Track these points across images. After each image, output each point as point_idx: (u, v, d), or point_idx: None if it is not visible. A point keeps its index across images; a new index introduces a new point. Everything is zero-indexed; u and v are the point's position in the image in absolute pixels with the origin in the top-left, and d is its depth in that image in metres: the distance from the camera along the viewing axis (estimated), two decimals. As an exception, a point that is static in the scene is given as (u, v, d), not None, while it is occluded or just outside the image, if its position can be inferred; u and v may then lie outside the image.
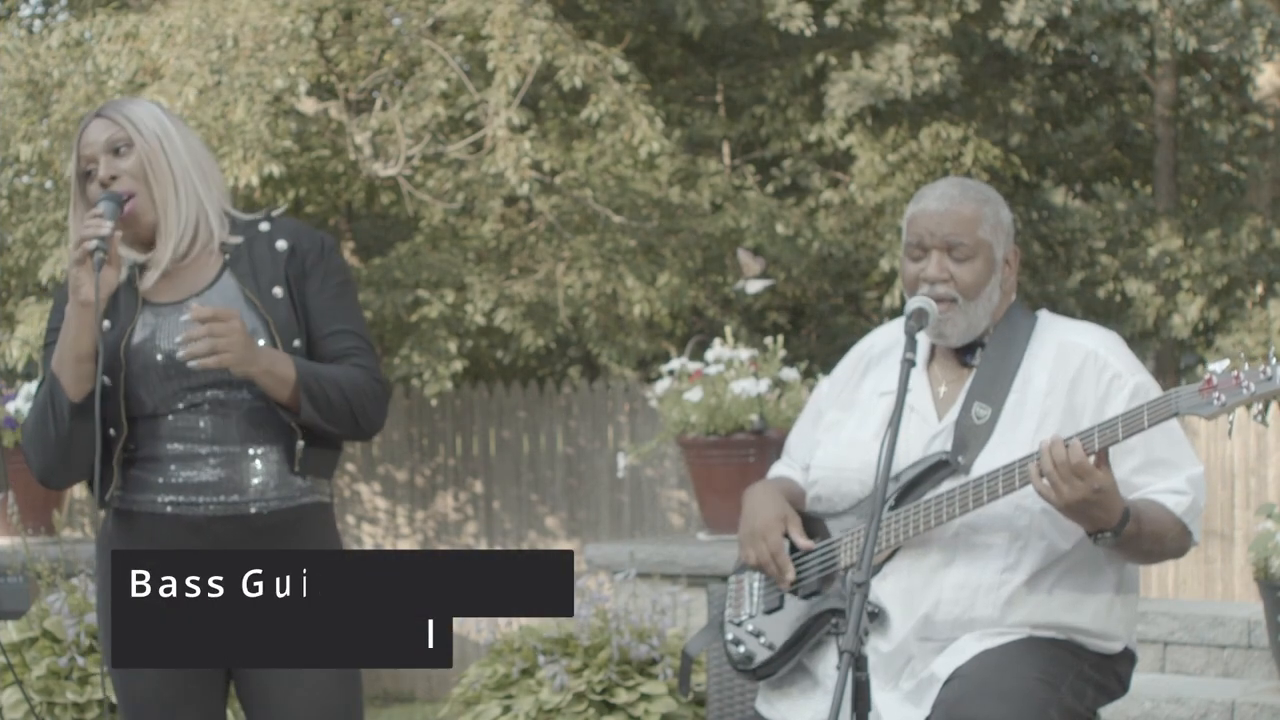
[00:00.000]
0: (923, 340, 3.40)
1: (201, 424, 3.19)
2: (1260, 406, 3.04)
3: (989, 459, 3.23)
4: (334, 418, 3.17)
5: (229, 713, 3.39)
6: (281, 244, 3.26)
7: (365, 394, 3.21)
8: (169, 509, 3.19)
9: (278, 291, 3.22)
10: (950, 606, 3.23)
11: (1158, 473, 3.22)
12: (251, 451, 3.19)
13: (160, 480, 3.20)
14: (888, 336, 3.54)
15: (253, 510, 3.19)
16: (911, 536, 3.25)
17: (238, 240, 3.26)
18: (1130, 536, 3.12)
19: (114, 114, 3.23)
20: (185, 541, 3.17)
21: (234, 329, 3.05)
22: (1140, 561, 3.30)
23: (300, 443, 3.19)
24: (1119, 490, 3.11)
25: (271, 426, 3.20)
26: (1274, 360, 2.97)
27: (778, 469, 3.68)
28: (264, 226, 3.29)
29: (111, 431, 3.21)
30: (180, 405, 3.19)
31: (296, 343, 3.20)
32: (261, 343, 3.17)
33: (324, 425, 3.17)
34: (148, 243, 3.25)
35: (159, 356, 3.19)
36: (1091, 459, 3.05)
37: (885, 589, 3.28)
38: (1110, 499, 3.07)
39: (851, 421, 3.45)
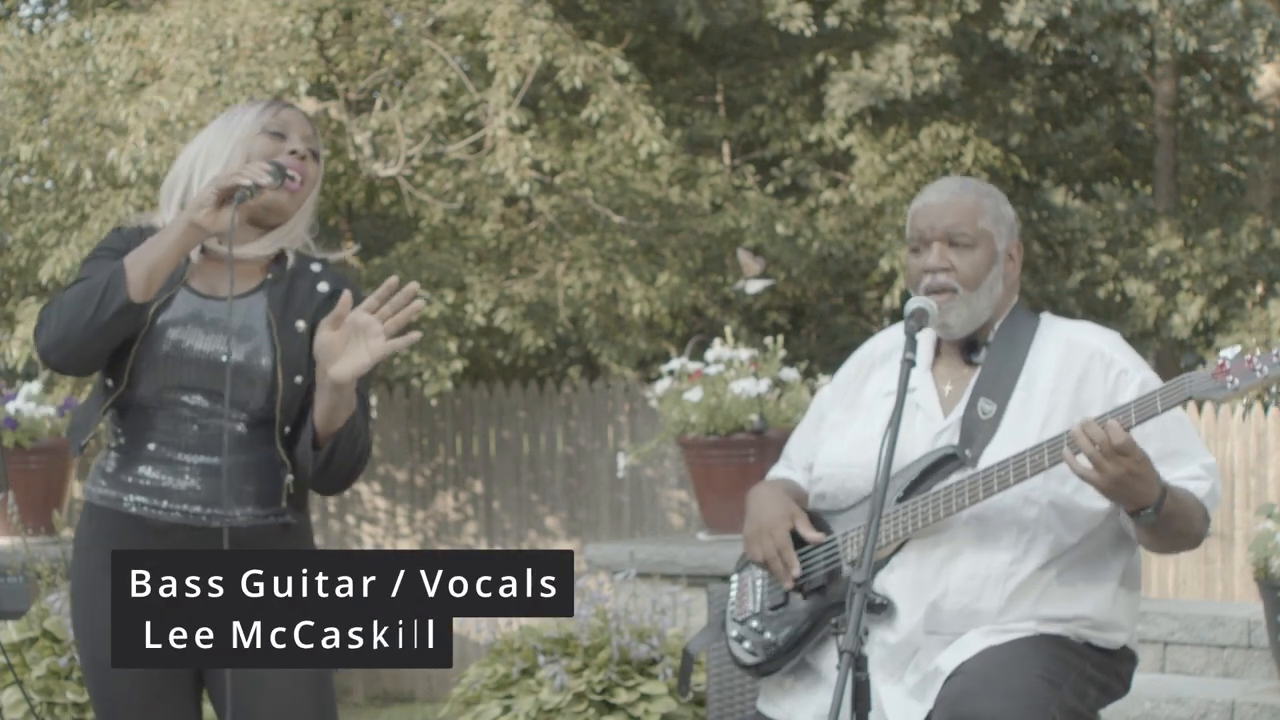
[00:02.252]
0: (926, 341, 3.43)
1: (183, 431, 3.20)
2: (1274, 390, 3.08)
3: (995, 452, 3.25)
4: (344, 460, 3.20)
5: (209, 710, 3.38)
6: (324, 286, 3.30)
7: (365, 450, 3.24)
8: (133, 509, 3.21)
9: (300, 325, 3.24)
10: (958, 596, 3.24)
11: (1174, 462, 3.24)
12: (227, 468, 3.17)
13: (130, 480, 3.21)
14: (891, 340, 3.56)
15: (215, 525, 3.18)
16: (921, 528, 3.27)
17: (286, 267, 3.29)
18: (1168, 514, 3.13)
19: (313, 125, 3.34)
20: (149, 545, 3.17)
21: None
22: (1169, 544, 3.29)
23: (290, 477, 3.20)
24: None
25: (250, 448, 3.21)
26: (1286, 343, 3.00)
27: (777, 472, 3.68)
28: (315, 267, 3.33)
29: (109, 382, 3.21)
30: (168, 398, 3.19)
31: (298, 379, 3.21)
32: (264, 361, 3.19)
33: (326, 465, 3.18)
34: (254, 228, 3.26)
35: (172, 335, 3.18)
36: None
37: (894, 580, 3.29)
38: (1152, 473, 3.09)
39: (856, 422, 3.47)
